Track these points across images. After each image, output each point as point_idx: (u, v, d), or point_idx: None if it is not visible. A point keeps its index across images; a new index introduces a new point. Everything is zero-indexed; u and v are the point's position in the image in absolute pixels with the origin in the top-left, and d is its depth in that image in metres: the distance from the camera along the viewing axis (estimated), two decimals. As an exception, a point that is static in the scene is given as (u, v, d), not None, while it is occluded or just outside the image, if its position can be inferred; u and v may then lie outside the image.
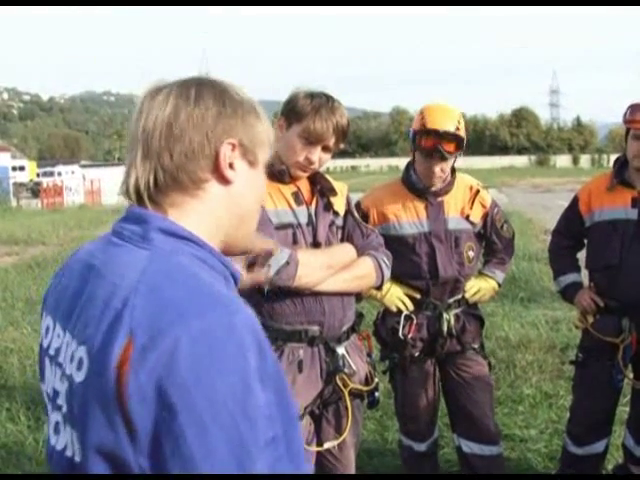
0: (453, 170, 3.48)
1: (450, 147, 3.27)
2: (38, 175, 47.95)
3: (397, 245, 3.32)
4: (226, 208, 1.30)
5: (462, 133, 3.33)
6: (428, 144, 3.27)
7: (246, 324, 1.12)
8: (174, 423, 1.04)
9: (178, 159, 1.24)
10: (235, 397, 1.05)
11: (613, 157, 3.93)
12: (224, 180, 1.28)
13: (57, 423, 1.23)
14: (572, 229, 3.80)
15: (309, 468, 1.17)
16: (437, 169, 3.32)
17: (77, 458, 1.17)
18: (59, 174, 44.41)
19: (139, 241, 1.22)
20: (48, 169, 49.44)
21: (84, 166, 56.18)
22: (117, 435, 1.08)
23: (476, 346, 3.55)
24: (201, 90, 1.27)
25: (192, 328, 1.06)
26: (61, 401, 1.21)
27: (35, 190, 38.30)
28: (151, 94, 1.28)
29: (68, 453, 1.19)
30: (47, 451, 1.28)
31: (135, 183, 1.26)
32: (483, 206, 3.54)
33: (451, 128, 3.27)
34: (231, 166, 1.28)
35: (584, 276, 3.79)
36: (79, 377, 1.14)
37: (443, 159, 3.30)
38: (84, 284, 1.23)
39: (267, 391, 1.09)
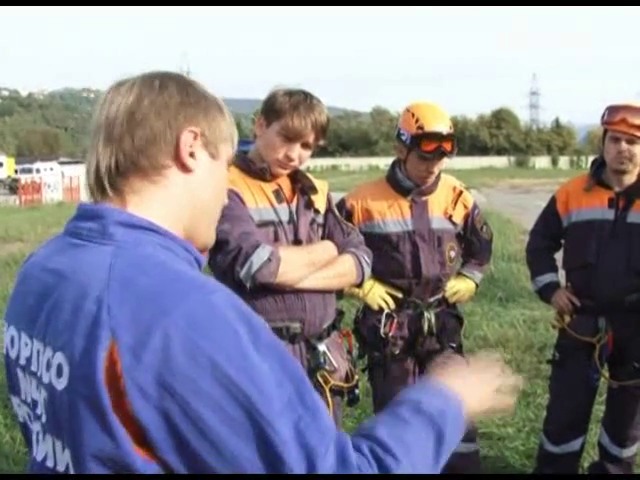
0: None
1: (449, 146, 3.29)
2: (16, 172, 47.50)
3: (381, 243, 3.35)
4: (186, 197, 1.28)
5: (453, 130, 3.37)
6: (430, 147, 3.27)
7: (226, 301, 1.11)
8: (189, 411, 1.04)
9: (139, 143, 1.23)
10: (240, 372, 1.06)
11: (592, 158, 3.97)
12: (184, 168, 1.27)
13: (37, 433, 1.21)
14: (550, 229, 3.83)
15: (332, 422, 1.14)
16: (435, 169, 3.36)
17: (60, 468, 1.16)
18: (37, 171, 44.01)
19: (99, 238, 1.19)
20: (26, 166, 48.94)
21: (63, 163, 55.63)
22: (115, 438, 1.06)
23: (455, 345, 3.57)
24: (165, 81, 1.28)
25: (175, 318, 1.05)
26: (40, 410, 1.19)
27: (13, 187, 38.00)
28: (116, 86, 1.28)
29: (49, 464, 1.17)
30: (30, 463, 1.25)
31: (96, 167, 1.24)
32: (465, 207, 3.57)
33: (448, 129, 3.31)
34: (192, 155, 1.27)
35: (561, 276, 3.83)
36: (61, 384, 1.12)
37: (442, 158, 3.33)
38: (46, 289, 1.20)
39: (267, 359, 1.09)
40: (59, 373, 1.12)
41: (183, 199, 1.28)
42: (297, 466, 1.06)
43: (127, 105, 1.24)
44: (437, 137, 3.26)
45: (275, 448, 1.05)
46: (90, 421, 1.08)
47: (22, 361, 1.22)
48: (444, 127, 3.29)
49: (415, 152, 3.34)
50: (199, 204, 1.30)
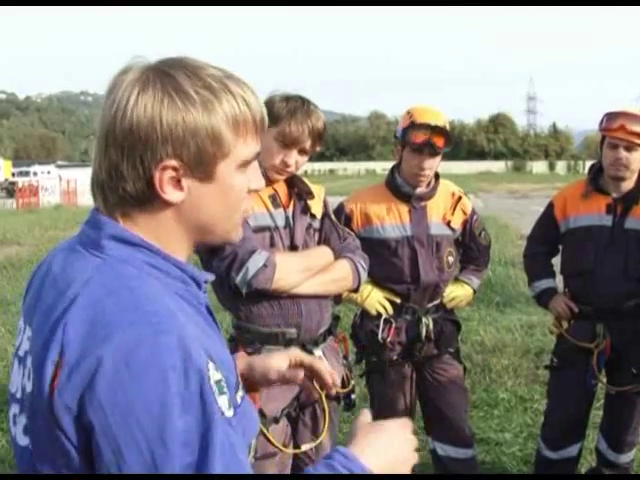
0: (437, 176, 3.50)
1: (440, 142, 3.28)
2: (13, 175, 47.53)
3: (379, 248, 3.34)
4: (180, 222, 1.21)
5: (449, 129, 3.37)
6: (419, 139, 3.27)
7: (173, 345, 1.06)
8: (94, 442, 1.05)
9: (118, 180, 1.17)
10: (152, 421, 1.02)
11: (589, 163, 3.97)
12: (166, 202, 1.18)
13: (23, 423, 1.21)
14: (547, 235, 3.82)
15: None
16: (426, 165, 3.32)
17: None
18: (35, 174, 44.06)
19: (93, 248, 1.18)
20: (24, 169, 49.08)
21: (60, 166, 55.80)
22: (60, 444, 1.08)
23: (452, 350, 3.57)
24: (144, 94, 1.14)
25: (115, 348, 1.04)
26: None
27: (10, 190, 37.93)
28: (111, 86, 1.19)
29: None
30: (15, 449, 1.25)
31: (93, 193, 1.23)
32: (464, 213, 3.56)
33: (440, 123, 3.31)
34: (178, 185, 1.17)
35: (559, 282, 3.83)
36: (29, 387, 1.14)
37: (433, 154, 3.31)
38: (41, 289, 1.22)
39: (187, 416, 1.04)
40: (29, 376, 1.14)
41: (177, 225, 1.22)
42: None
43: (106, 129, 1.17)
44: (425, 127, 3.26)
45: None
46: (40, 425, 1.10)
47: (20, 352, 1.23)
48: (437, 121, 3.31)
49: (408, 148, 3.35)
50: (201, 224, 1.23)
